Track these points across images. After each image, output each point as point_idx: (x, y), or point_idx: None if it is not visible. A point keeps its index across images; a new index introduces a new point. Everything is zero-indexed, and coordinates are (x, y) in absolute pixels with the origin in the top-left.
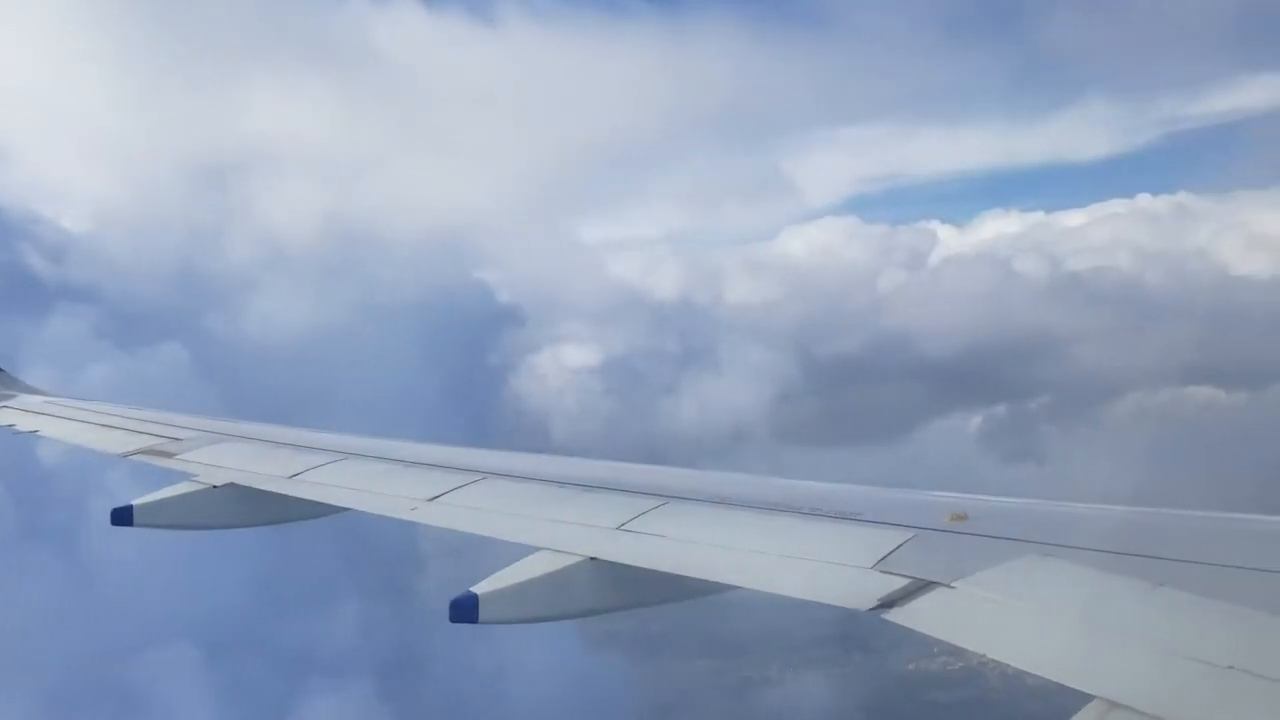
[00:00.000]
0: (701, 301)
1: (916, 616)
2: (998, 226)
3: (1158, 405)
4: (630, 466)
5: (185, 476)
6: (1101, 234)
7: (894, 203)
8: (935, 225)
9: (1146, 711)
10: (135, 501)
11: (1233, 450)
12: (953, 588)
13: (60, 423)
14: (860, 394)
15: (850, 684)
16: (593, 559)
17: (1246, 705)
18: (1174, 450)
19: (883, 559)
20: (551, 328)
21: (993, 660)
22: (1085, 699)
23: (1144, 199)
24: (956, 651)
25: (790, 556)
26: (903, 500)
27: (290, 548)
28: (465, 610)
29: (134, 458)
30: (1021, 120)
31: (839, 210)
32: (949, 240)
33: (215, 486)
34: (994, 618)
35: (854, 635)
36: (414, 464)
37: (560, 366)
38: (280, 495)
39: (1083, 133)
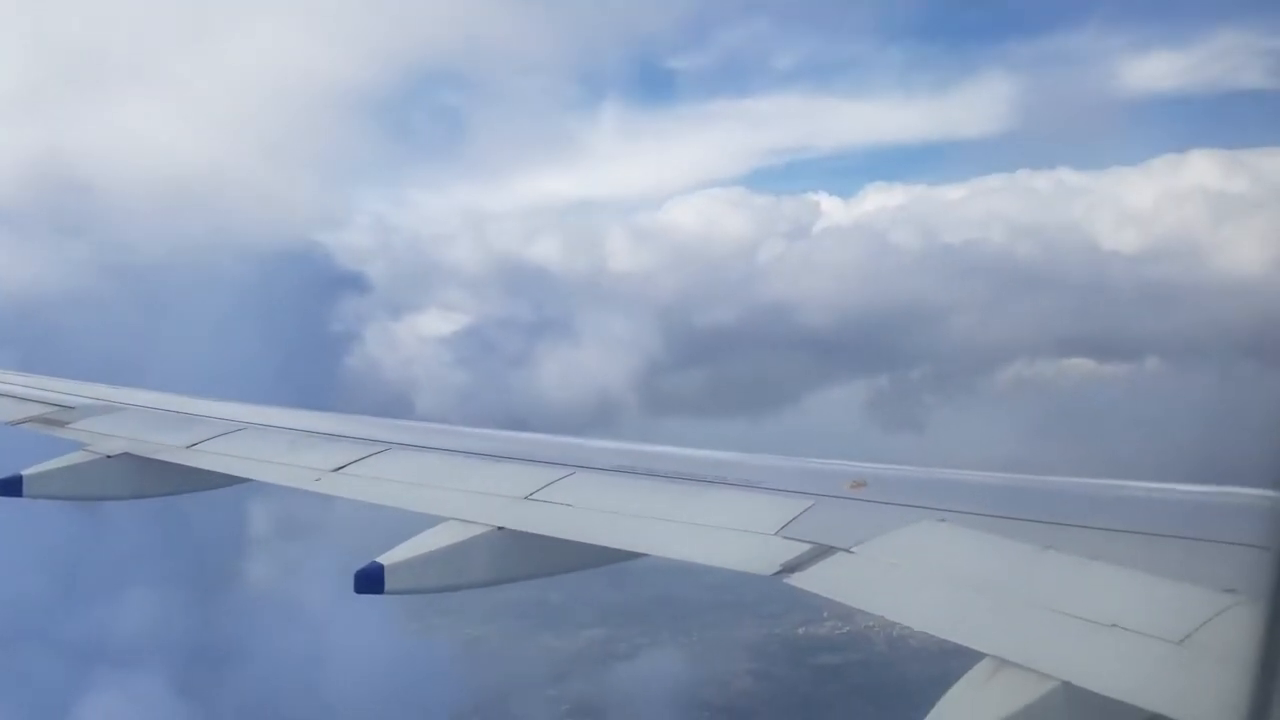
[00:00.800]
0: (583, 271)
1: (817, 581)
2: (881, 199)
3: (1035, 376)
4: (538, 437)
5: (77, 446)
6: (980, 208)
7: (796, 175)
8: (821, 197)
9: (1034, 669)
10: (25, 471)
11: (1108, 419)
12: (852, 553)
13: None
14: (744, 364)
15: (741, 648)
16: (500, 528)
17: (1128, 660)
18: (1052, 420)
19: (785, 525)
20: (404, 295)
21: (880, 624)
22: (973, 659)
23: (1024, 174)
24: (845, 615)
25: (696, 524)
26: (804, 469)
27: (107, 528)
28: (370, 581)
29: (24, 426)
30: (923, 94)
31: (743, 182)
32: (833, 212)
33: (110, 456)
34: (891, 581)
35: (746, 601)
36: (317, 434)
37: (425, 336)
38: (178, 466)
39: (985, 108)
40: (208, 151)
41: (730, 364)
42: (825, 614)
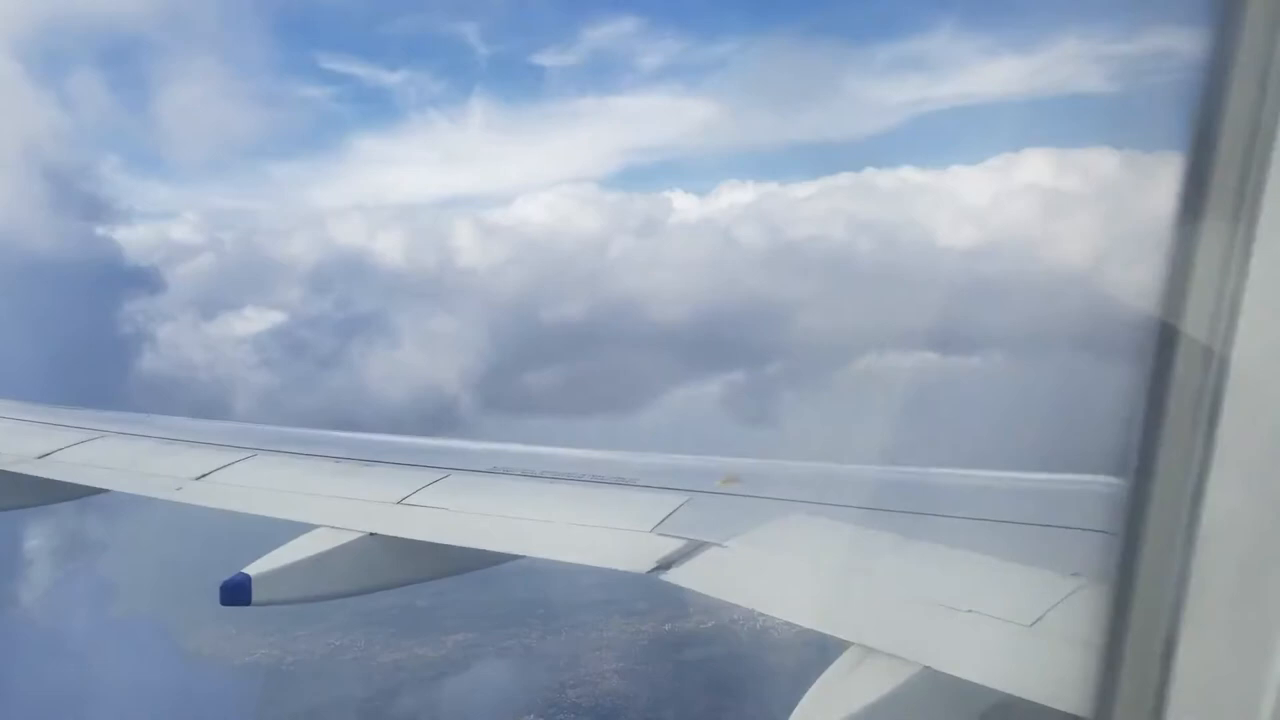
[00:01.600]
0: (433, 268)
1: (691, 576)
2: (734, 197)
3: (883, 370)
4: (410, 440)
5: None
6: (829, 206)
7: (664, 174)
8: (676, 194)
9: (897, 655)
10: None
11: (955, 411)
12: (725, 547)
13: None
14: (598, 362)
15: (609, 647)
16: (372, 534)
17: (983, 644)
18: (902, 412)
19: (660, 523)
20: (229, 293)
21: (744, 617)
22: (837, 649)
23: (870, 173)
24: (710, 610)
25: (571, 524)
26: (677, 465)
27: None
28: (236, 592)
29: None
30: (785, 96)
31: (612, 180)
32: (687, 209)
33: None
34: (761, 574)
35: (615, 599)
36: (179, 441)
37: (251, 335)
38: (29, 477)
39: (843, 111)
40: None
41: (583, 362)
42: (691, 609)
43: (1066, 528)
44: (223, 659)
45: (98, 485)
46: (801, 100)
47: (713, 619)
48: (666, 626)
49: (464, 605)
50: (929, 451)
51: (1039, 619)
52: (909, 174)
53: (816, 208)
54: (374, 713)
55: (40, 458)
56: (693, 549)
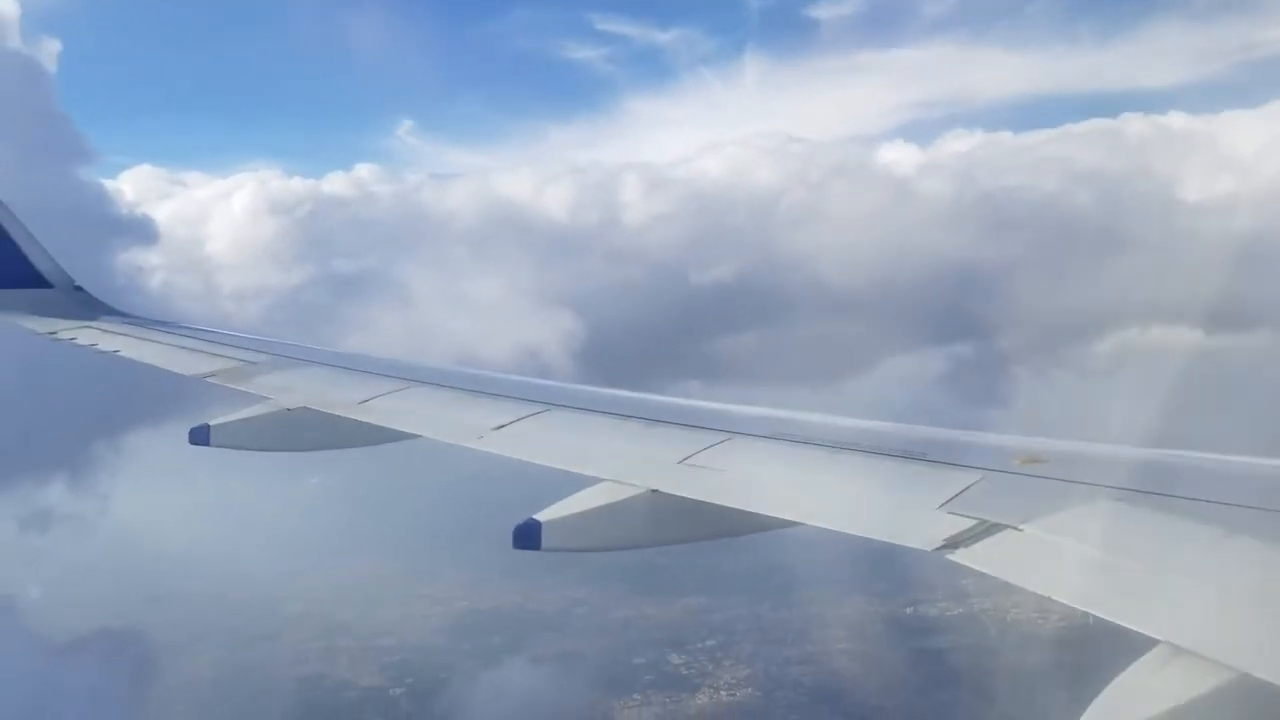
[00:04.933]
0: (616, 223)
1: (981, 558)
2: (959, 146)
3: (1138, 345)
4: (695, 402)
5: (259, 399)
6: (1067, 156)
7: (951, 126)
8: (899, 144)
9: (1212, 658)
10: (212, 422)
11: (1234, 396)
12: (1020, 530)
13: (140, 344)
14: (810, 328)
15: (842, 625)
16: (654, 491)
17: None
18: (1170, 396)
19: (950, 500)
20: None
21: (995, 607)
22: (1094, 650)
23: (1129, 117)
24: (957, 596)
25: (854, 495)
26: (970, 441)
27: None
28: (528, 536)
29: (210, 380)
30: (1093, 44)
31: (893, 135)
32: (909, 160)
33: (289, 410)
34: (1061, 561)
35: (858, 576)
36: (481, 393)
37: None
38: (351, 420)
39: (1160, 58)
40: None
41: (800, 328)
42: (939, 594)
43: None
44: (461, 601)
45: (408, 430)
46: (1093, 47)
47: (960, 606)
48: (908, 610)
49: (702, 568)
50: (1235, 441)
51: None
52: (1177, 119)
53: (1043, 155)
54: (599, 667)
55: (360, 404)
56: (984, 530)
